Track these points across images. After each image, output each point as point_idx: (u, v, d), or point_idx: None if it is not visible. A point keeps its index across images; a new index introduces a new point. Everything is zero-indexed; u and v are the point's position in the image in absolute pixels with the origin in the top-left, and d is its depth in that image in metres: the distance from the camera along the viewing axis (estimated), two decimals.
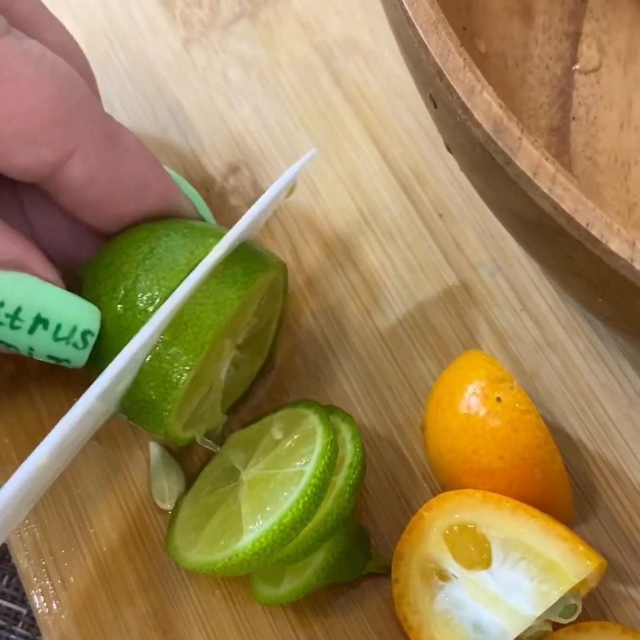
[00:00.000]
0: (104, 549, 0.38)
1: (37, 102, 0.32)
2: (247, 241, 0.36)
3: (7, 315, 0.31)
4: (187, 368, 0.33)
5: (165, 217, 0.36)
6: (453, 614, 0.34)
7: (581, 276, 0.30)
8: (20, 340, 0.32)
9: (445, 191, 0.43)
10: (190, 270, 0.33)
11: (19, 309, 0.31)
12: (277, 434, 0.36)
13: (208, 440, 0.37)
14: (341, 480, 0.34)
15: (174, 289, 0.33)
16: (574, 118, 0.42)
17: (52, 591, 0.37)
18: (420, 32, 0.31)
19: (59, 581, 0.38)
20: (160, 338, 0.33)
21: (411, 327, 0.41)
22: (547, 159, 0.28)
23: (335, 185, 0.43)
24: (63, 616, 0.37)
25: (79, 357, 0.33)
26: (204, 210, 0.39)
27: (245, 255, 0.35)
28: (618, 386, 0.39)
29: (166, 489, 0.38)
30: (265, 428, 0.37)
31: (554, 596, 0.32)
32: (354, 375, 0.40)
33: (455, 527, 0.34)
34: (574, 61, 0.43)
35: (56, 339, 0.32)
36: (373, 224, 0.43)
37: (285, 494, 0.33)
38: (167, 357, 0.33)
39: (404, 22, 0.31)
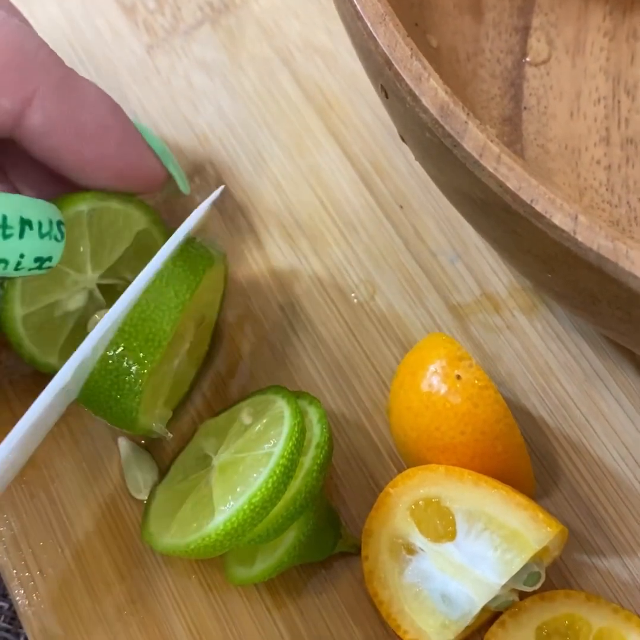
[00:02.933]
0: (81, 540, 0.39)
1: None
2: (195, 237, 0.38)
3: None
4: (146, 366, 0.34)
5: (129, 168, 0.37)
6: (421, 587, 0.35)
7: (530, 252, 0.31)
8: (13, 247, 0.34)
9: (404, 183, 0.44)
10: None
11: (4, 218, 0.33)
12: (247, 419, 0.37)
13: (163, 428, 0.38)
14: (309, 460, 0.35)
15: None
16: (525, 108, 0.43)
17: (32, 583, 0.38)
18: (368, 24, 0.32)
19: (38, 573, 0.38)
20: (119, 338, 0.35)
21: (375, 314, 0.42)
22: (492, 141, 0.30)
23: (298, 181, 0.45)
24: (43, 607, 0.38)
25: (59, 251, 0.35)
26: (171, 164, 0.40)
27: (193, 250, 0.37)
28: (576, 364, 0.41)
29: (140, 479, 0.39)
30: (234, 415, 0.38)
31: (517, 564, 0.33)
32: (321, 362, 0.41)
33: (421, 502, 0.35)
34: (524, 54, 0.44)
35: (41, 235, 0.34)
36: (336, 217, 0.44)
37: (254, 475, 0.34)
38: (126, 357, 0.34)
39: (354, 16, 0.33)
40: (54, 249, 0.35)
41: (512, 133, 0.42)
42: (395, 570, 0.35)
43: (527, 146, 0.42)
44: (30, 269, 0.35)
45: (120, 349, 0.35)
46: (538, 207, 0.29)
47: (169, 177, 0.40)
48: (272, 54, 0.48)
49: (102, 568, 0.38)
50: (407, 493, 0.35)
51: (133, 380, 0.35)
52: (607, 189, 0.41)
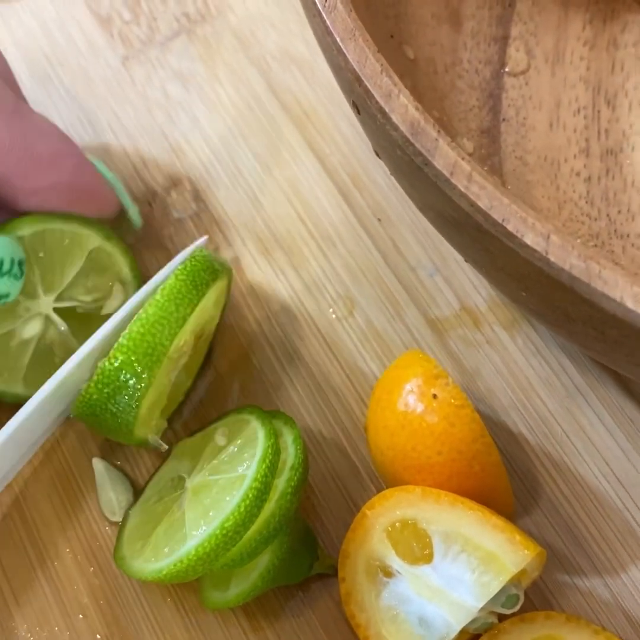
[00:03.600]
0: (56, 563, 0.38)
1: None
2: (201, 248, 0.38)
3: None
4: (144, 381, 0.34)
5: (81, 195, 0.37)
6: (399, 610, 0.34)
7: (503, 271, 0.31)
8: None
9: (383, 196, 0.44)
10: None
11: None
12: (221, 441, 0.36)
13: (158, 439, 0.37)
14: (283, 482, 0.34)
15: None
16: (504, 119, 0.42)
17: (5, 607, 0.38)
18: (338, 39, 0.31)
19: (11, 595, 0.38)
20: (118, 352, 0.34)
21: (353, 329, 0.42)
22: (463, 159, 0.29)
23: (276, 194, 0.44)
24: (18, 632, 0.37)
25: (17, 288, 0.36)
26: (123, 196, 0.41)
27: (197, 264, 0.36)
28: (557, 379, 0.40)
29: (114, 500, 0.38)
30: (209, 435, 0.37)
31: (495, 587, 0.33)
32: (299, 379, 0.41)
33: (397, 524, 0.35)
34: (503, 64, 0.44)
35: (1, 274, 0.35)
36: (313, 231, 0.43)
37: (227, 498, 0.33)
38: (124, 371, 0.34)
39: (323, 31, 0.32)
40: (12, 287, 0.35)
41: (490, 145, 0.42)
42: (372, 593, 0.35)
43: (506, 158, 0.41)
44: None
45: (118, 362, 0.34)
46: (509, 227, 0.28)
47: (121, 209, 0.40)
48: (249, 65, 0.47)
49: (75, 590, 0.38)
50: (383, 514, 0.35)
51: (130, 394, 0.34)
52: (586, 202, 0.41)
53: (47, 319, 0.38)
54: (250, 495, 0.33)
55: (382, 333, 0.41)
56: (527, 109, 0.43)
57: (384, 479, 0.37)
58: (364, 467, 0.39)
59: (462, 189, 0.29)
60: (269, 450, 0.34)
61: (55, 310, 0.38)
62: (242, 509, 0.33)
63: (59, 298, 0.38)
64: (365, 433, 0.38)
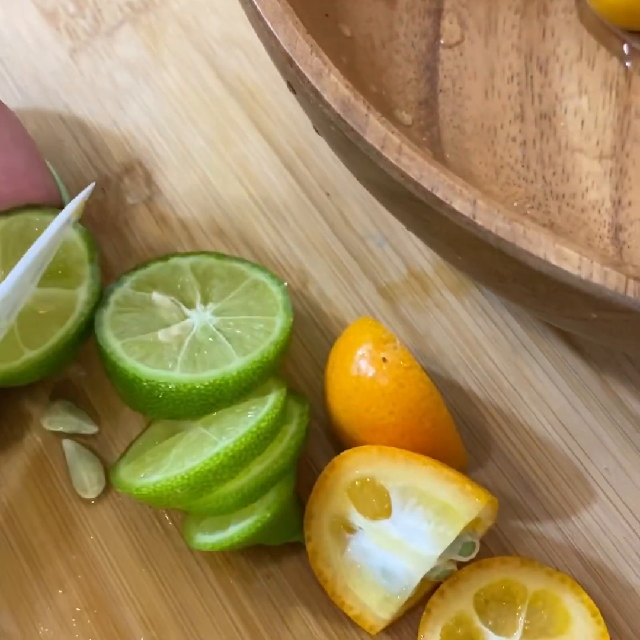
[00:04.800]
0: (32, 541, 0.40)
1: None
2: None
3: None
4: None
5: (32, 185, 0.38)
6: (362, 563, 0.36)
7: (438, 236, 0.33)
8: None
9: (329, 169, 0.45)
10: None
11: None
12: None
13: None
14: (293, 426, 0.37)
15: None
16: (441, 90, 0.44)
17: None
18: (268, 23, 0.33)
19: None
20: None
21: (308, 301, 0.43)
22: (393, 132, 0.31)
23: (225, 173, 0.46)
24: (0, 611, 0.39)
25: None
26: (65, 195, 0.42)
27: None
28: (502, 336, 0.42)
29: (86, 478, 0.40)
30: None
31: (451, 536, 0.35)
32: None
33: (357, 482, 0.36)
34: (438, 36, 0.45)
35: None
36: (264, 207, 0.45)
37: (249, 414, 0.36)
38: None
39: (254, 15, 0.33)
40: None
41: (428, 116, 0.43)
42: (337, 549, 0.37)
43: (444, 128, 0.43)
44: None
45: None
46: (439, 194, 0.30)
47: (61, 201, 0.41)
48: (193, 50, 0.48)
49: (54, 566, 0.39)
50: (344, 474, 0.36)
51: None
52: (522, 166, 0.42)
53: None
54: (279, 404, 0.36)
55: (335, 303, 0.43)
56: (463, 79, 0.44)
57: (342, 441, 0.39)
58: (324, 431, 0.40)
59: (393, 161, 0.30)
60: (283, 391, 0.37)
61: None
62: (278, 410, 0.36)
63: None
64: (323, 398, 0.40)
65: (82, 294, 0.39)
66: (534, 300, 0.33)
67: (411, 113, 0.43)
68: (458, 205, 0.30)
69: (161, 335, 0.38)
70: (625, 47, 0.44)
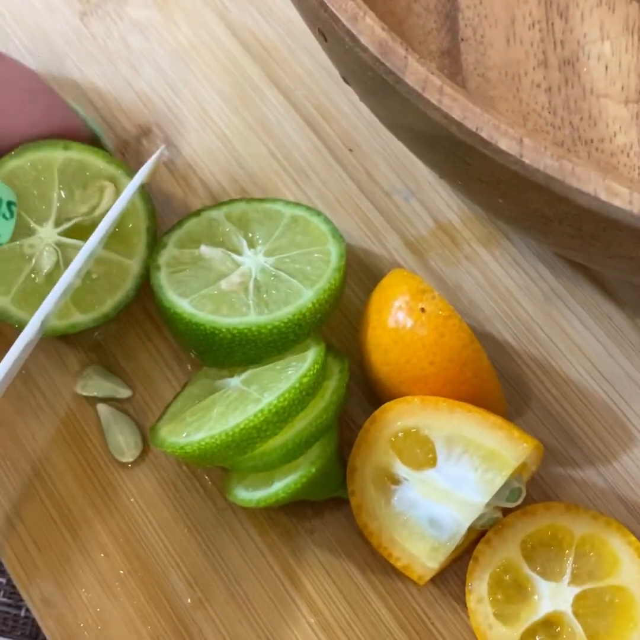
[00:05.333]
0: (71, 508, 0.39)
1: None
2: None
3: None
4: None
5: (57, 128, 0.38)
6: (409, 514, 0.36)
7: (480, 180, 0.32)
8: None
9: (351, 125, 0.45)
10: None
11: None
12: None
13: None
14: (334, 382, 0.37)
15: None
16: (462, 39, 0.43)
17: (27, 554, 0.39)
18: None
19: (32, 544, 0.39)
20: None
21: None
22: (433, 73, 0.30)
23: (245, 133, 0.45)
24: (40, 576, 0.39)
25: (8, 229, 0.36)
26: (94, 125, 0.42)
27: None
28: (535, 286, 0.42)
29: (123, 442, 0.39)
30: None
31: (498, 482, 0.35)
32: None
33: (400, 434, 0.36)
34: None
35: None
36: (286, 165, 0.44)
37: (289, 372, 0.36)
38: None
39: None
40: (3, 227, 0.36)
41: (452, 65, 0.43)
42: (382, 501, 0.36)
43: (468, 77, 0.42)
44: None
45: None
46: (484, 134, 0.29)
47: (92, 141, 0.41)
48: (205, 7, 0.47)
49: (95, 532, 0.39)
50: (385, 427, 0.36)
51: None
52: (549, 112, 0.42)
53: (59, 245, 0.38)
54: (320, 360, 0.36)
55: (364, 259, 0.43)
56: (484, 27, 0.44)
57: (381, 395, 0.39)
58: (360, 388, 0.40)
59: (435, 103, 0.30)
60: (322, 351, 0.37)
61: (62, 234, 0.39)
62: (318, 366, 0.35)
63: (57, 224, 0.39)
64: (359, 355, 0.39)
65: (135, 267, 0.39)
66: (579, 242, 0.32)
67: (434, 63, 0.42)
68: (504, 144, 0.29)
69: (224, 284, 0.38)
70: None
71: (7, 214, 0.36)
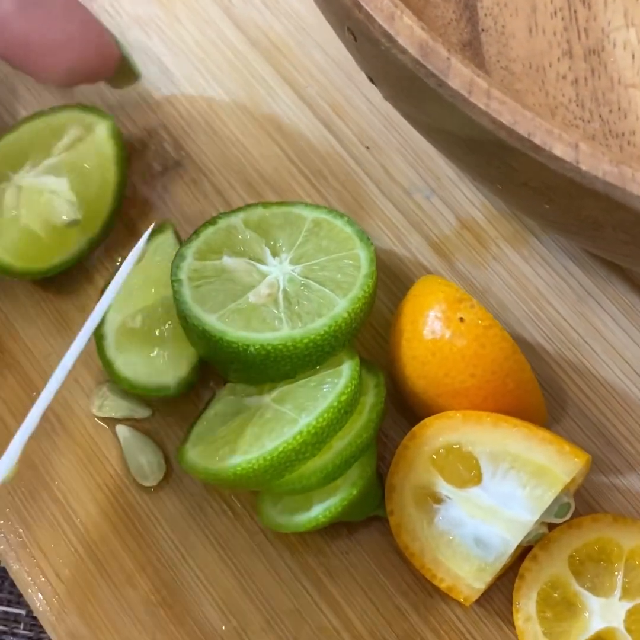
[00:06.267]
0: (94, 536, 0.38)
1: None
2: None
3: None
4: None
5: (93, 45, 0.37)
6: (453, 534, 0.35)
7: (526, 185, 0.30)
8: None
9: (367, 122, 0.43)
10: None
11: None
12: None
13: None
14: (371, 397, 0.35)
15: None
16: (483, 30, 0.42)
17: (49, 587, 0.37)
18: None
19: (55, 576, 0.37)
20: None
21: None
22: (478, 75, 0.28)
23: (257, 133, 0.43)
24: (65, 610, 0.37)
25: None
26: (124, 46, 0.40)
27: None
28: (566, 285, 0.40)
29: (145, 465, 0.38)
30: None
31: (549, 498, 0.33)
32: None
33: (442, 450, 0.35)
34: None
35: None
36: (302, 166, 0.42)
37: (325, 389, 0.34)
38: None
39: None
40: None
41: (474, 58, 0.41)
42: (424, 521, 0.35)
43: (492, 70, 0.41)
44: None
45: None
46: (536, 140, 0.28)
47: (122, 61, 0.39)
48: (209, 2, 0.45)
49: (120, 561, 0.37)
50: (426, 443, 0.35)
51: None
52: (577, 105, 0.40)
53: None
54: (356, 376, 0.34)
55: (387, 262, 0.41)
56: (504, 16, 0.42)
57: (417, 409, 0.37)
58: (392, 402, 0.38)
59: (483, 107, 0.28)
60: (356, 356, 0.35)
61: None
62: (354, 384, 0.34)
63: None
64: (390, 367, 0.38)
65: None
66: (632, 248, 0.31)
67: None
68: (559, 150, 0.28)
69: (252, 297, 0.36)
70: None
71: None
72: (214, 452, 0.34)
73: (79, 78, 0.38)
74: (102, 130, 0.40)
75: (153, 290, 0.38)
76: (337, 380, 0.34)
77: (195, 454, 0.35)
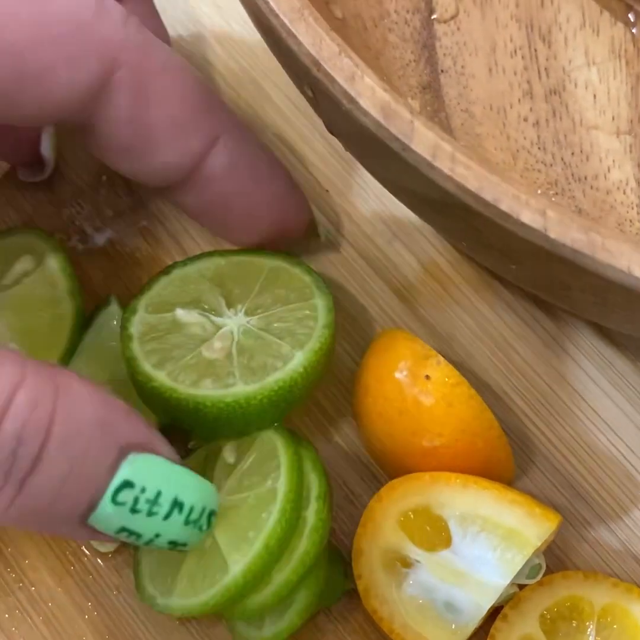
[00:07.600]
0: (51, 606, 0.36)
1: (186, 89, 0.33)
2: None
3: (147, 501, 0.29)
4: None
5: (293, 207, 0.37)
6: (423, 598, 0.34)
7: (493, 247, 0.30)
8: (151, 527, 0.29)
9: (326, 165, 0.42)
10: None
11: (159, 494, 0.29)
12: (230, 458, 0.34)
13: None
14: (311, 515, 0.32)
15: None
16: (442, 71, 0.41)
17: None
18: (286, 22, 0.29)
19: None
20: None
21: None
22: (442, 139, 0.27)
23: None
24: None
25: (196, 539, 0.31)
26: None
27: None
28: (532, 333, 0.39)
29: None
30: (214, 454, 0.35)
31: (519, 561, 0.33)
32: None
33: (410, 513, 0.34)
34: (431, 11, 0.42)
35: (187, 522, 0.30)
36: None
37: (263, 515, 0.31)
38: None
39: (266, 12, 0.30)
40: (193, 537, 0.30)
41: (434, 101, 0.40)
42: (393, 585, 0.34)
43: (452, 113, 0.40)
44: (159, 547, 0.30)
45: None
46: (503, 207, 0.27)
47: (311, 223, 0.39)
48: None
49: (79, 632, 0.36)
50: (393, 505, 0.34)
51: None
52: (539, 148, 0.40)
53: None
54: (288, 508, 0.31)
55: (349, 310, 0.40)
56: (463, 56, 0.41)
57: (383, 468, 0.36)
58: (360, 458, 0.37)
59: (447, 172, 0.27)
60: (294, 458, 0.32)
61: None
62: (283, 523, 0.31)
63: None
64: (356, 422, 0.37)
65: None
66: (600, 309, 0.30)
67: (417, 99, 0.40)
68: (527, 217, 0.27)
69: (205, 351, 0.34)
70: (630, 15, 0.41)
71: (204, 526, 0.30)
72: (161, 582, 0.33)
73: (272, 237, 0.37)
74: (53, 263, 0.38)
75: (101, 371, 0.36)
76: (273, 505, 0.32)
77: (157, 595, 0.33)
